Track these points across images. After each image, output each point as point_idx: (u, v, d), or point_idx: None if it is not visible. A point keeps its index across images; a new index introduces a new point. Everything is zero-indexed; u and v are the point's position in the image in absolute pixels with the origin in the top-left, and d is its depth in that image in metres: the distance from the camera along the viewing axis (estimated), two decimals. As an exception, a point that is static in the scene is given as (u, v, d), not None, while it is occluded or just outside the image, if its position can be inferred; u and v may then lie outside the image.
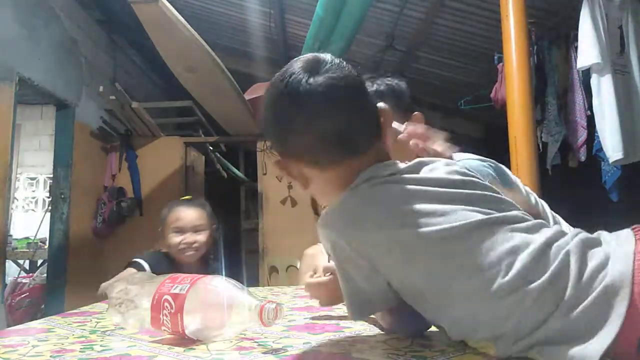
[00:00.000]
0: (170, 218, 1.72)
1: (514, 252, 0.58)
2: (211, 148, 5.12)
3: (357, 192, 0.66)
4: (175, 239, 1.68)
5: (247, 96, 4.01)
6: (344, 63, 0.71)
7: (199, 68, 3.31)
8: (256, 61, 4.73)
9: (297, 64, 0.70)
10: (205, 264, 1.78)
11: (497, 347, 0.58)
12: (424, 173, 0.69)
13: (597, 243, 0.60)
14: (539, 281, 0.55)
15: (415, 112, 1.14)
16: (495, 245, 0.59)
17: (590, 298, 0.53)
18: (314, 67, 0.68)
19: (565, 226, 0.78)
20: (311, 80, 0.67)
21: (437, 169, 0.69)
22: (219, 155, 5.50)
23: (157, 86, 5.62)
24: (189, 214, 1.72)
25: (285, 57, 4.84)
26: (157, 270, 1.61)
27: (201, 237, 1.70)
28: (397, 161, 0.71)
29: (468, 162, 0.74)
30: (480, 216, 0.62)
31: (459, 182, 0.67)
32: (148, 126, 4.36)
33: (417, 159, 0.72)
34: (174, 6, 2.78)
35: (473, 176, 0.69)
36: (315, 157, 0.69)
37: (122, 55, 4.78)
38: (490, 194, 0.67)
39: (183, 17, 2.88)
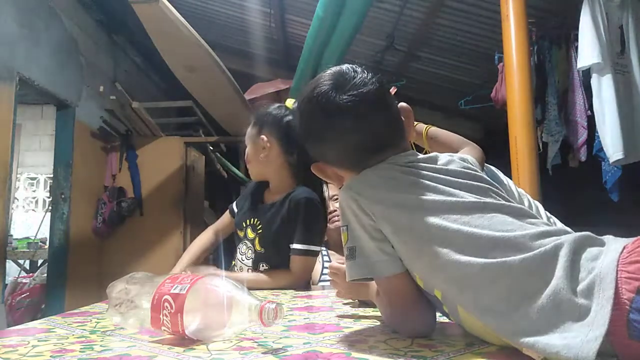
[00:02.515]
0: None
1: (511, 231, 0.63)
2: (211, 148, 5.12)
3: (377, 167, 0.75)
4: None
5: (247, 96, 4.02)
6: (367, 75, 0.77)
7: (199, 68, 3.32)
8: (256, 61, 4.73)
9: (325, 80, 0.77)
10: (288, 185, 1.57)
11: (487, 322, 0.59)
12: (440, 164, 0.76)
13: (599, 243, 0.61)
14: (529, 254, 0.59)
15: None
16: (494, 225, 0.64)
17: (581, 284, 0.55)
18: (340, 84, 0.75)
19: (560, 226, 0.80)
20: (338, 98, 0.74)
21: (453, 162, 0.77)
22: (219, 155, 5.50)
23: (157, 86, 5.62)
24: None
25: (285, 57, 4.84)
26: (244, 200, 1.67)
27: (248, 149, 1.59)
28: (415, 152, 0.79)
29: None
30: (484, 200, 0.69)
31: (470, 175, 0.74)
32: (148, 126, 4.37)
33: (434, 153, 0.80)
34: (174, 6, 2.78)
35: (481, 174, 0.77)
36: (347, 164, 0.79)
37: (122, 55, 4.78)
38: (497, 190, 0.74)
39: (183, 17, 2.88)
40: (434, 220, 0.65)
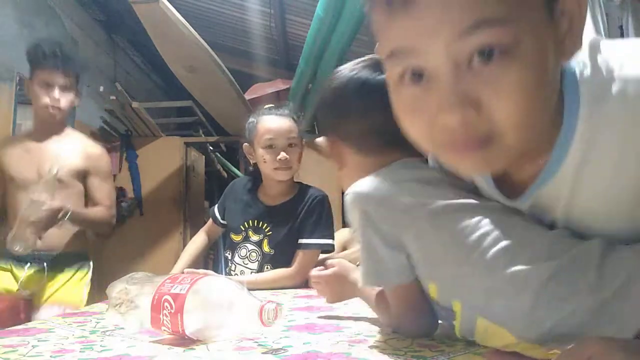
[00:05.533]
0: (260, 130, 1.53)
1: (535, 230, 0.60)
2: (211, 148, 5.12)
3: (392, 170, 0.73)
4: (267, 155, 1.51)
5: (247, 96, 4.02)
6: None
7: (199, 68, 3.31)
8: (256, 61, 4.73)
9: (361, 62, 0.81)
10: (293, 186, 1.60)
11: (512, 331, 0.57)
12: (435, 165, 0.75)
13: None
14: (559, 259, 0.56)
15: None
16: (517, 227, 0.61)
17: (616, 282, 0.53)
18: (378, 63, 0.76)
19: None
20: (375, 77, 0.77)
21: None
22: (219, 155, 5.50)
23: (157, 86, 5.62)
24: (281, 125, 1.52)
25: (285, 57, 4.84)
26: (235, 203, 1.64)
27: (295, 154, 1.52)
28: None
29: None
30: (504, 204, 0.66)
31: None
32: (148, 126, 4.37)
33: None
34: (174, 6, 2.78)
35: None
36: (363, 144, 0.79)
37: (122, 55, 4.78)
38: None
39: (183, 17, 2.88)
40: (459, 232, 0.62)
